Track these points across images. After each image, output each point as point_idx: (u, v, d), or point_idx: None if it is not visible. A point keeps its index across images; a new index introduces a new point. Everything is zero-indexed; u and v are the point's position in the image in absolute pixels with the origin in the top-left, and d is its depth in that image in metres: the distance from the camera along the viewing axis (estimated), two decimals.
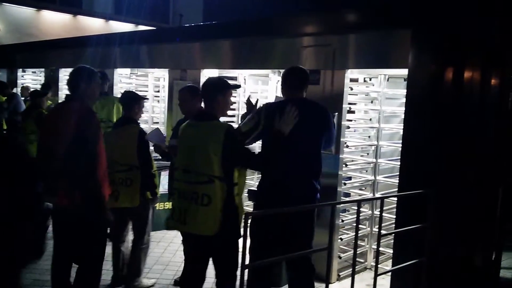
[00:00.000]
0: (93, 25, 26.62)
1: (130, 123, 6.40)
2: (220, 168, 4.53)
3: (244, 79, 9.39)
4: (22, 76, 16.14)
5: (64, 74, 13.64)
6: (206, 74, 9.16)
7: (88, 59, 11.82)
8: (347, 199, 7.39)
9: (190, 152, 4.71)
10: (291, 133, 4.82)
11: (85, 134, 4.77)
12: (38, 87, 13.28)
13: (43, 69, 14.95)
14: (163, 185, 8.13)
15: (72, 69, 5.23)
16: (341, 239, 7.06)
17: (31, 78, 16.00)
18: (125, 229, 6.54)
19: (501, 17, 5.83)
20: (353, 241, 7.22)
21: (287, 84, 5.38)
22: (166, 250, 8.05)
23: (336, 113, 6.69)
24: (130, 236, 6.65)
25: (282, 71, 7.67)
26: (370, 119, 7.71)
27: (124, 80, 11.66)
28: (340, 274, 7.06)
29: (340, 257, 7.00)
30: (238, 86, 5.48)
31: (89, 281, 5.10)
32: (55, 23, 24.98)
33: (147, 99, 7.02)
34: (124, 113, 6.57)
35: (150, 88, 11.21)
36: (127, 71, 11.62)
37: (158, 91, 11.25)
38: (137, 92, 7.48)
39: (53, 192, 4.78)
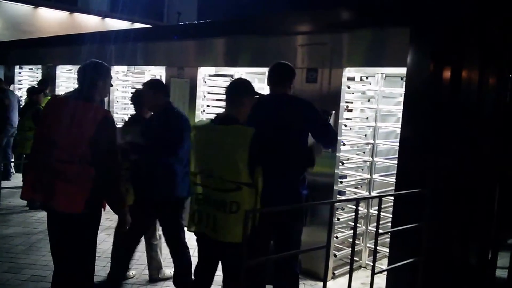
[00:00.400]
0: (89, 22, 26.61)
1: (140, 122, 6.39)
2: (248, 174, 4.35)
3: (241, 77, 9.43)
4: (19, 73, 16.12)
5: (61, 71, 13.66)
6: (203, 71, 9.20)
7: (85, 56, 11.87)
8: (343, 197, 7.40)
9: (213, 158, 4.49)
10: (270, 130, 4.83)
11: (108, 140, 4.59)
12: (35, 84, 13.25)
13: (40, 66, 14.97)
14: None
15: (85, 63, 4.84)
16: (337, 237, 7.08)
17: (28, 75, 15.99)
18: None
19: (500, 16, 5.85)
20: (348, 240, 7.30)
21: (269, 79, 5.39)
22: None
23: (333, 112, 6.71)
24: None
25: None
26: (367, 118, 7.72)
27: (121, 77, 11.67)
28: (335, 272, 7.09)
29: (335, 255, 7.03)
30: (261, 95, 5.42)
31: (84, 282, 5.02)
32: (51, 20, 24.95)
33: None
34: (135, 111, 6.63)
35: None
36: (123, 68, 11.63)
37: None
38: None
39: (50, 195, 4.55)
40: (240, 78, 5.67)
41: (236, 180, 4.35)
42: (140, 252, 6.94)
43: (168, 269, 6.78)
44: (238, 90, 4.76)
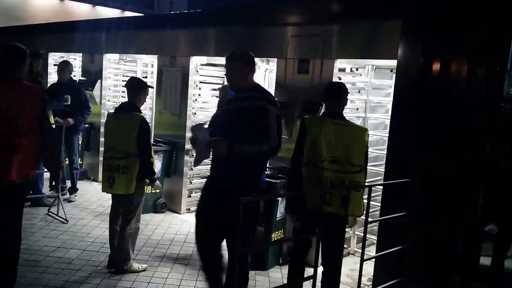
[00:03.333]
0: (80, 10, 26.57)
1: (133, 110, 6.35)
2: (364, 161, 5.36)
3: None
4: None
5: (53, 58, 13.67)
6: (195, 61, 9.26)
7: (78, 43, 11.95)
8: None
9: (342, 147, 5.25)
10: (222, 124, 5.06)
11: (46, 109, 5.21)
12: None
13: None
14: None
15: (5, 48, 5.39)
16: None
17: None
18: (121, 213, 6.55)
19: (489, 10, 5.95)
20: None
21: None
22: (154, 232, 8.18)
23: (324, 104, 6.81)
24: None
25: (270, 59, 7.85)
26: (357, 109, 7.84)
27: (113, 65, 11.71)
28: None
29: None
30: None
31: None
32: (42, 7, 24.91)
33: (152, 87, 7.06)
34: (128, 99, 6.52)
35: (139, 74, 11.28)
36: (115, 56, 11.66)
37: (146, 77, 11.30)
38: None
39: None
40: (339, 81, 6.32)
41: (360, 164, 5.30)
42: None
43: (137, 263, 6.68)
44: (342, 91, 5.57)
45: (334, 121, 5.34)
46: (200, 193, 5.54)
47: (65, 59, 11.20)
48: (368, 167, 7.48)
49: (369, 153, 7.53)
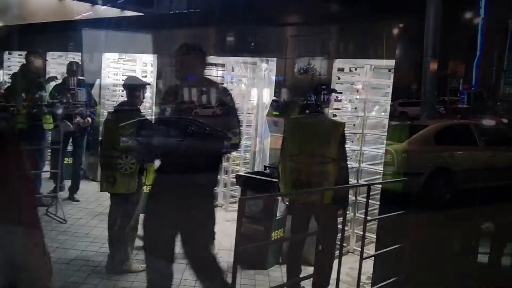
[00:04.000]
0: (79, 9, 26.55)
1: (132, 109, 6.34)
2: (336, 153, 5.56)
3: (232, 67, 9.49)
4: (9, 59, 16.05)
5: (52, 57, 13.64)
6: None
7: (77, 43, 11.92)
8: None
9: (313, 141, 5.64)
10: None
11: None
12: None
13: None
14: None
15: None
16: None
17: (17, 61, 15.93)
18: (120, 212, 6.47)
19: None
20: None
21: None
22: None
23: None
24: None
25: (270, 59, 7.87)
26: (355, 108, 7.85)
27: (112, 64, 11.68)
28: None
29: None
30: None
31: None
32: (41, 6, 24.89)
33: (150, 84, 7.01)
34: (127, 98, 6.52)
35: (138, 74, 11.24)
36: (114, 56, 11.64)
37: (145, 77, 11.27)
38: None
39: None
40: (325, 83, 6.61)
41: (332, 156, 5.51)
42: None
43: (136, 263, 6.55)
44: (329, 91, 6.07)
45: (311, 118, 5.88)
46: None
47: (63, 58, 11.20)
48: (366, 166, 7.61)
49: (368, 152, 7.63)
